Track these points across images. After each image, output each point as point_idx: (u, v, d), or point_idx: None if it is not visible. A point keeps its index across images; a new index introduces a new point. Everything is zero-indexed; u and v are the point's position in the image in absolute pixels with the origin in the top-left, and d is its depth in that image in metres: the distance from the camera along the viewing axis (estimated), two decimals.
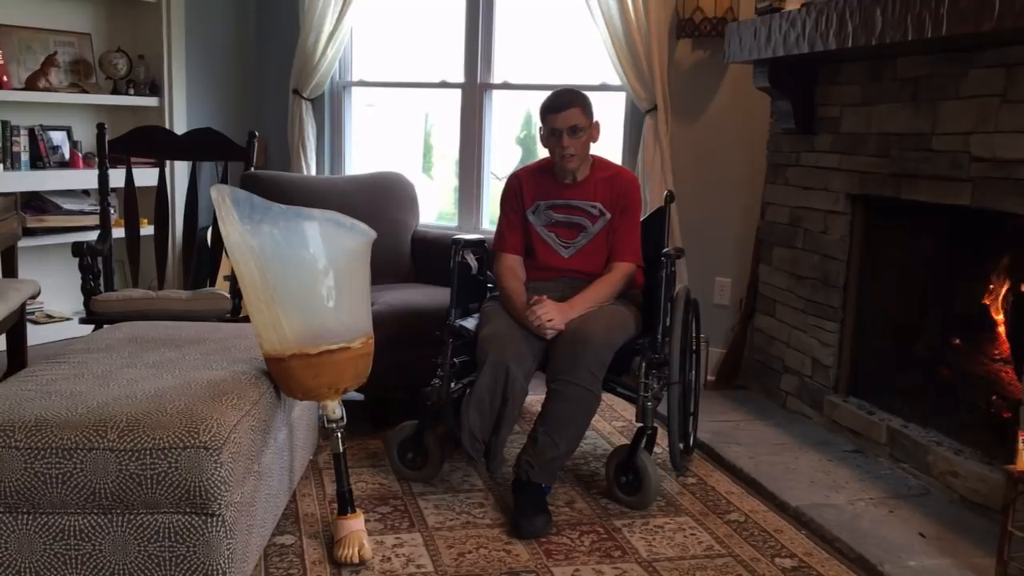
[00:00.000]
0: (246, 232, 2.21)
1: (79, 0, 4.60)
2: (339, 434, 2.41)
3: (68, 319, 4.55)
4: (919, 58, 2.89)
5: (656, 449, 2.92)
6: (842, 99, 3.29)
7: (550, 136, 2.92)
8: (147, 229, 4.15)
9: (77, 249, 3.36)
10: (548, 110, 2.92)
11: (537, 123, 3.04)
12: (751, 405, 3.65)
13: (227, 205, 2.21)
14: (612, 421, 3.51)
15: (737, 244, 4.06)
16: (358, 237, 2.38)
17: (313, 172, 5.04)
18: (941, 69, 2.81)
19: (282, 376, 2.32)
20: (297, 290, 2.27)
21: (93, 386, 2.15)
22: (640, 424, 2.73)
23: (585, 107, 2.92)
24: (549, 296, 2.81)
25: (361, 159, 5.20)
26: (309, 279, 2.28)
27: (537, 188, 3.03)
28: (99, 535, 1.94)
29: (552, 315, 2.74)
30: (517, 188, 3.07)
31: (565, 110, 2.88)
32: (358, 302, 2.40)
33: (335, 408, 2.39)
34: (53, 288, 4.55)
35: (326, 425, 2.42)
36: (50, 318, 4.57)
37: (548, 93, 2.99)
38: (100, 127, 3.70)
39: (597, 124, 2.97)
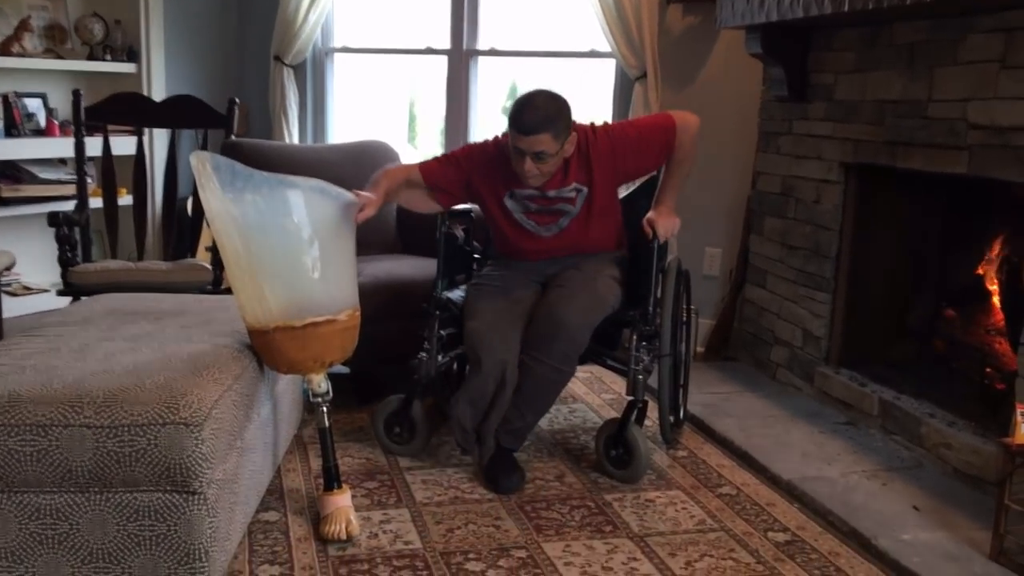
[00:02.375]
0: (228, 200, 2.14)
1: None
2: (325, 408, 2.36)
3: (46, 291, 4.45)
4: (916, 23, 2.83)
5: (646, 422, 2.88)
6: (836, 66, 3.22)
7: (515, 153, 2.65)
8: (126, 199, 4.06)
9: (53, 219, 3.27)
10: (514, 126, 2.61)
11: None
12: (741, 377, 3.62)
13: (207, 172, 2.13)
14: (601, 394, 3.47)
15: (727, 214, 4.01)
16: (344, 205, 2.31)
17: (295, 140, 4.94)
18: (938, 35, 2.75)
19: (266, 349, 2.26)
20: (281, 261, 2.20)
21: (69, 360, 2.08)
22: (631, 397, 2.68)
23: (557, 133, 2.59)
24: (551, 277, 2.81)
25: (344, 127, 5.10)
26: (293, 249, 2.21)
27: (513, 175, 2.75)
28: (76, 514, 1.88)
29: (670, 230, 2.79)
30: (485, 164, 2.81)
31: (532, 135, 2.58)
32: (344, 273, 2.34)
33: (321, 382, 2.34)
34: (30, 259, 4.45)
35: (311, 399, 2.37)
36: (27, 290, 4.48)
37: (517, 101, 2.66)
38: (76, 94, 3.59)
39: (574, 135, 2.68)
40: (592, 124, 2.84)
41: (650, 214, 2.77)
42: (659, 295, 2.79)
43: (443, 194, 2.85)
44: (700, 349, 3.97)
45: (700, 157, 3.94)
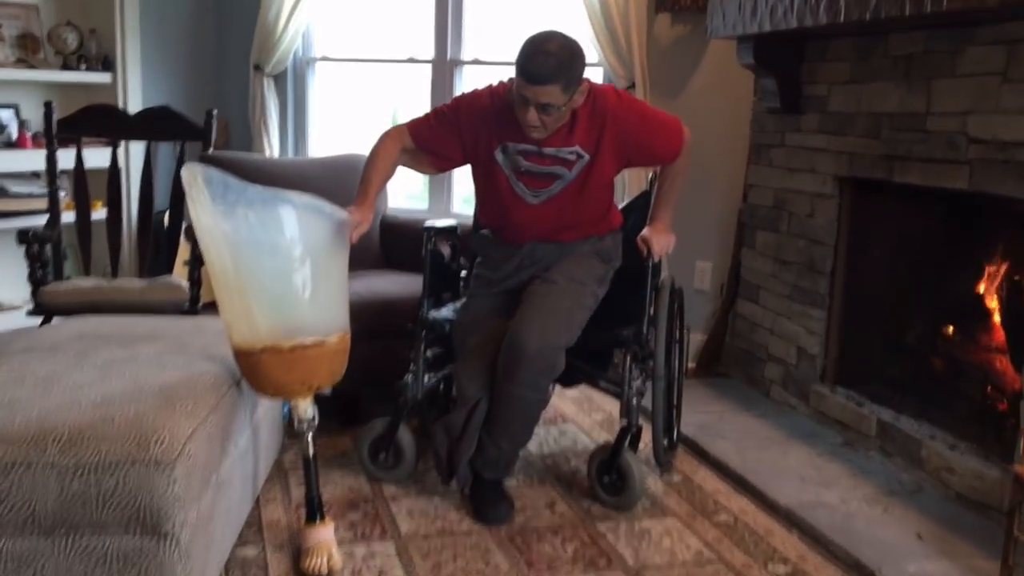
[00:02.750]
0: (218, 214, 2.05)
1: None
2: (310, 436, 2.26)
3: (17, 307, 4.32)
4: (912, 34, 2.76)
5: (639, 444, 2.79)
6: (830, 77, 3.15)
7: (519, 97, 2.41)
8: (101, 212, 3.94)
9: (23, 237, 3.15)
10: (522, 74, 2.37)
11: None
12: (734, 395, 3.53)
13: (199, 185, 2.04)
14: (592, 413, 3.37)
15: (718, 227, 3.93)
16: (338, 224, 2.22)
17: (276, 151, 4.83)
18: (936, 46, 2.68)
19: (252, 371, 2.16)
20: (271, 279, 2.11)
21: (34, 392, 1.96)
22: (624, 422, 2.59)
23: (568, 83, 2.37)
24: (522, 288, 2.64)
25: (325, 138, 5.00)
26: (284, 267, 2.12)
27: (508, 126, 2.52)
28: (40, 560, 1.76)
29: (665, 247, 2.67)
30: (481, 116, 2.57)
31: (539, 85, 2.35)
32: (335, 295, 2.25)
33: (307, 408, 2.24)
34: (2, 275, 4.32)
35: (296, 426, 2.26)
36: None
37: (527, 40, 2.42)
38: (47, 106, 3.48)
39: (585, 85, 2.45)
40: (615, 89, 2.66)
41: (645, 231, 2.67)
42: (652, 313, 2.70)
43: (435, 157, 2.68)
44: (691, 365, 3.88)
45: (691, 169, 3.88)
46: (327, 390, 2.33)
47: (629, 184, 3.80)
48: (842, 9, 2.65)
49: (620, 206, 2.97)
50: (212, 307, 3.44)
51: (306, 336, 2.13)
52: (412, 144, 2.64)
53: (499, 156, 2.59)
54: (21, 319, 4.13)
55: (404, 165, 2.72)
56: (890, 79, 2.86)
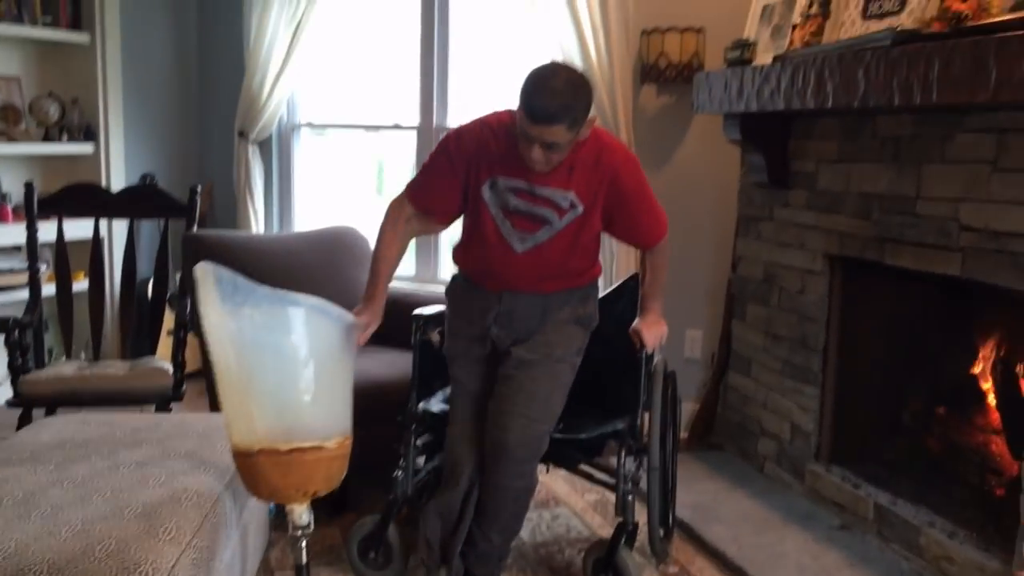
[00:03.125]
0: (225, 314, 2.01)
1: (6, 42, 4.31)
2: (304, 543, 2.19)
3: None
4: (900, 117, 2.75)
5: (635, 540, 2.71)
6: (818, 154, 3.14)
7: (522, 137, 2.29)
8: (83, 283, 3.88)
9: (3, 326, 3.09)
10: (525, 110, 2.23)
11: None
12: (728, 470, 3.49)
13: (209, 285, 2.00)
14: (584, 494, 3.32)
15: (708, 296, 3.91)
16: (345, 328, 2.18)
17: (261, 217, 4.80)
18: (925, 130, 2.67)
19: (248, 472, 2.10)
20: (273, 380, 2.06)
21: (11, 518, 1.90)
22: (619, 519, 2.54)
23: (573, 122, 2.24)
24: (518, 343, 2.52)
25: (311, 204, 4.97)
26: (287, 369, 2.07)
27: (500, 159, 2.40)
28: None
29: (657, 340, 2.60)
30: (474, 154, 2.44)
31: (543, 125, 2.22)
32: (338, 399, 2.20)
33: (302, 514, 2.17)
34: None
35: (290, 532, 2.20)
36: None
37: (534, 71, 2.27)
38: (28, 187, 3.43)
39: (592, 118, 2.32)
40: (624, 147, 2.58)
41: (636, 323, 2.63)
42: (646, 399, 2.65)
43: (440, 214, 2.58)
44: (684, 434, 3.84)
45: (679, 236, 3.86)
46: None
47: (618, 266, 3.77)
48: (829, 96, 2.65)
49: (609, 289, 2.95)
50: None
51: (304, 440, 2.08)
52: (414, 211, 2.55)
53: (486, 192, 2.45)
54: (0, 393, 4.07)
55: (416, 235, 2.64)
56: (879, 160, 2.85)
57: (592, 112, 2.32)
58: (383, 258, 2.55)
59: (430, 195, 2.53)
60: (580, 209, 2.43)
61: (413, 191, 2.56)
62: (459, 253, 2.63)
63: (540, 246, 2.46)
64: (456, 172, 2.46)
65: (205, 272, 2.01)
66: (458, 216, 2.59)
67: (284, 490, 2.11)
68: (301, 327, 2.07)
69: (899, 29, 2.47)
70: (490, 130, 2.45)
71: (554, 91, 2.22)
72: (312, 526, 2.18)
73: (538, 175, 2.39)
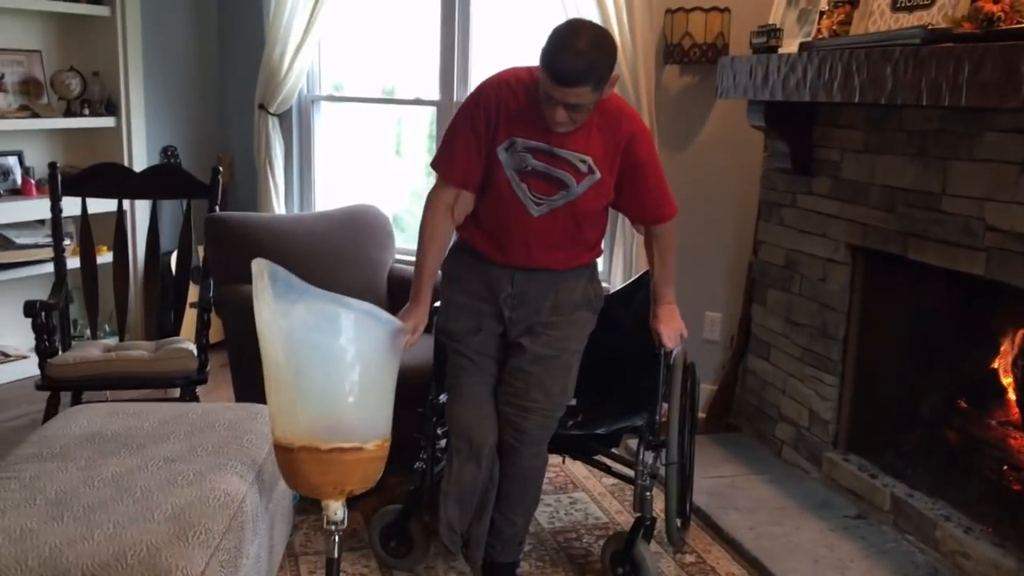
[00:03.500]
0: (278, 312, 2.06)
1: (28, 16, 4.30)
2: (337, 537, 2.25)
3: (24, 357, 4.31)
4: (928, 111, 2.72)
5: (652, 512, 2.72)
6: (842, 143, 3.11)
7: (545, 98, 2.22)
8: (106, 256, 3.93)
9: (29, 309, 3.13)
10: (548, 71, 2.16)
11: None
12: (745, 454, 3.51)
13: (264, 282, 2.07)
14: (602, 478, 3.35)
15: (728, 278, 3.90)
16: (392, 332, 2.21)
17: (281, 190, 4.81)
18: (952, 126, 2.64)
19: (287, 466, 2.17)
20: (319, 379, 2.12)
21: (46, 518, 1.95)
22: (638, 514, 2.57)
23: (598, 82, 2.17)
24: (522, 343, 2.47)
25: (331, 176, 4.98)
26: (335, 370, 2.13)
27: (519, 119, 2.33)
28: None
29: (676, 338, 2.59)
30: (494, 107, 2.34)
31: (571, 87, 2.15)
32: (381, 401, 2.25)
33: (337, 509, 2.23)
34: (6, 323, 4.31)
35: (325, 526, 2.25)
36: (5, 356, 4.33)
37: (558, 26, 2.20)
38: (52, 167, 3.46)
39: (614, 79, 2.25)
40: (641, 120, 2.51)
41: (654, 319, 2.61)
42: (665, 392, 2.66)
43: (475, 185, 2.44)
44: (702, 415, 3.86)
45: (700, 217, 3.86)
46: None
47: (638, 260, 3.76)
48: (856, 90, 2.61)
49: (627, 282, 2.95)
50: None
51: (345, 440, 2.13)
52: (454, 191, 2.43)
53: (502, 154, 2.36)
54: (28, 368, 4.15)
55: (459, 220, 2.49)
56: (904, 154, 2.82)
57: (616, 70, 2.26)
58: (428, 254, 2.47)
59: (465, 164, 2.40)
60: (597, 175, 2.38)
61: (446, 169, 2.44)
62: (468, 224, 2.52)
63: (556, 211, 2.40)
64: (479, 135, 2.37)
65: (261, 269, 2.08)
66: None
67: (322, 487, 2.17)
68: (351, 330, 2.13)
69: (930, 27, 2.43)
70: (508, 88, 2.36)
71: (578, 51, 2.14)
72: (346, 522, 2.23)
73: (558, 136, 2.33)
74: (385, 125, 5.00)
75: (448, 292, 2.59)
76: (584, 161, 2.36)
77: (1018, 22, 2.22)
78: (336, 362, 2.11)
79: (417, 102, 4.59)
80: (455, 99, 4.38)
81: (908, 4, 2.65)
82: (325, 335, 2.10)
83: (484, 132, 2.36)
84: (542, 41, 2.20)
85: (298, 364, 2.08)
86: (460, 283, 2.56)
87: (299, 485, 2.19)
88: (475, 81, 4.35)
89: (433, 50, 4.40)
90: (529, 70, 2.35)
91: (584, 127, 2.33)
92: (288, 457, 2.12)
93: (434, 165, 2.48)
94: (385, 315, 2.20)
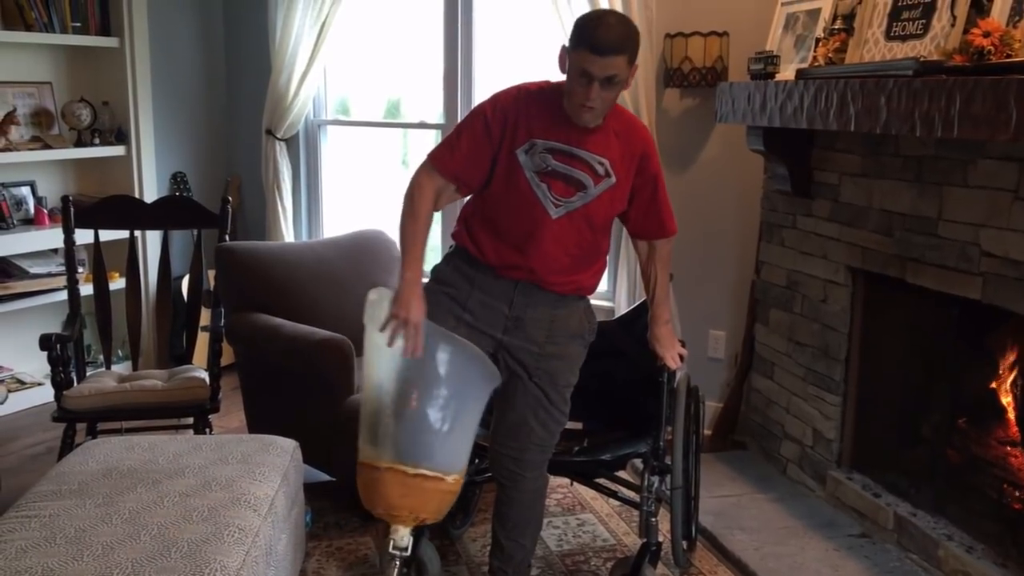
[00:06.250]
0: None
1: (38, 49, 4.38)
2: (397, 563, 2.33)
3: (40, 384, 4.38)
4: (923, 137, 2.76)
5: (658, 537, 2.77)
6: (841, 167, 3.16)
7: (578, 76, 2.23)
8: (118, 283, 4.00)
9: (45, 342, 3.19)
10: (589, 45, 2.18)
11: None
12: (751, 473, 3.56)
13: (382, 308, 2.27)
14: (609, 499, 3.38)
15: (731, 297, 3.95)
16: (488, 376, 2.32)
17: (289, 214, 4.88)
18: (946, 153, 2.69)
19: (369, 485, 2.28)
20: (419, 406, 2.25)
21: (67, 559, 2.01)
22: (643, 540, 2.62)
23: (632, 55, 2.25)
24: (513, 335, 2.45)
25: (337, 199, 5.04)
26: (435, 401, 2.25)
27: (539, 121, 2.35)
28: None
29: (677, 359, 2.63)
30: (512, 111, 2.36)
31: (607, 56, 2.18)
32: (465, 438, 2.35)
33: (405, 535, 2.31)
34: (21, 351, 4.39)
35: (388, 550, 2.32)
36: (21, 384, 4.40)
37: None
38: (65, 200, 3.52)
39: (635, 67, 2.32)
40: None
41: (652, 339, 2.63)
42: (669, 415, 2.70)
43: (464, 186, 2.43)
44: (707, 432, 3.90)
45: (703, 237, 3.91)
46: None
47: (639, 283, 3.80)
48: (852, 118, 2.66)
49: (627, 309, 2.99)
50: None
51: (430, 468, 2.24)
52: (441, 181, 2.39)
53: (522, 156, 2.35)
54: (44, 394, 4.21)
55: (438, 210, 2.48)
56: (900, 179, 2.86)
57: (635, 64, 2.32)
58: (420, 232, 2.39)
59: (465, 162, 2.38)
60: (613, 179, 2.40)
61: (443, 160, 2.39)
62: (476, 229, 2.46)
63: (572, 214, 2.39)
64: (492, 138, 2.36)
65: (381, 297, 2.28)
66: (477, 190, 2.46)
67: (399, 510, 2.28)
68: (458, 365, 2.27)
69: (922, 59, 2.47)
70: (527, 93, 2.39)
71: (611, 25, 2.23)
72: (409, 550, 2.30)
73: (578, 136, 2.35)
74: (391, 144, 5.06)
75: (436, 289, 2.48)
76: (602, 163, 2.38)
77: (1008, 56, 2.26)
78: (437, 392, 2.25)
79: (422, 125, 4.65)
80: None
81: (902, 34, 2.70)
82: (430, 365, 2.25)
83: (498, 135, 2.35)
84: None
85: (401, 389, 2.23)
86: (459, 294, 2.46)
87: (376, 504, 2.30)
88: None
89: (437, 73, 4.46)
90: (549, 82, 2.42)
91: (603, 130, 2.37)
92: (372, 475, 2.24)
93: (431, 154, 2.44)
94: (491, 364, 2.32)
